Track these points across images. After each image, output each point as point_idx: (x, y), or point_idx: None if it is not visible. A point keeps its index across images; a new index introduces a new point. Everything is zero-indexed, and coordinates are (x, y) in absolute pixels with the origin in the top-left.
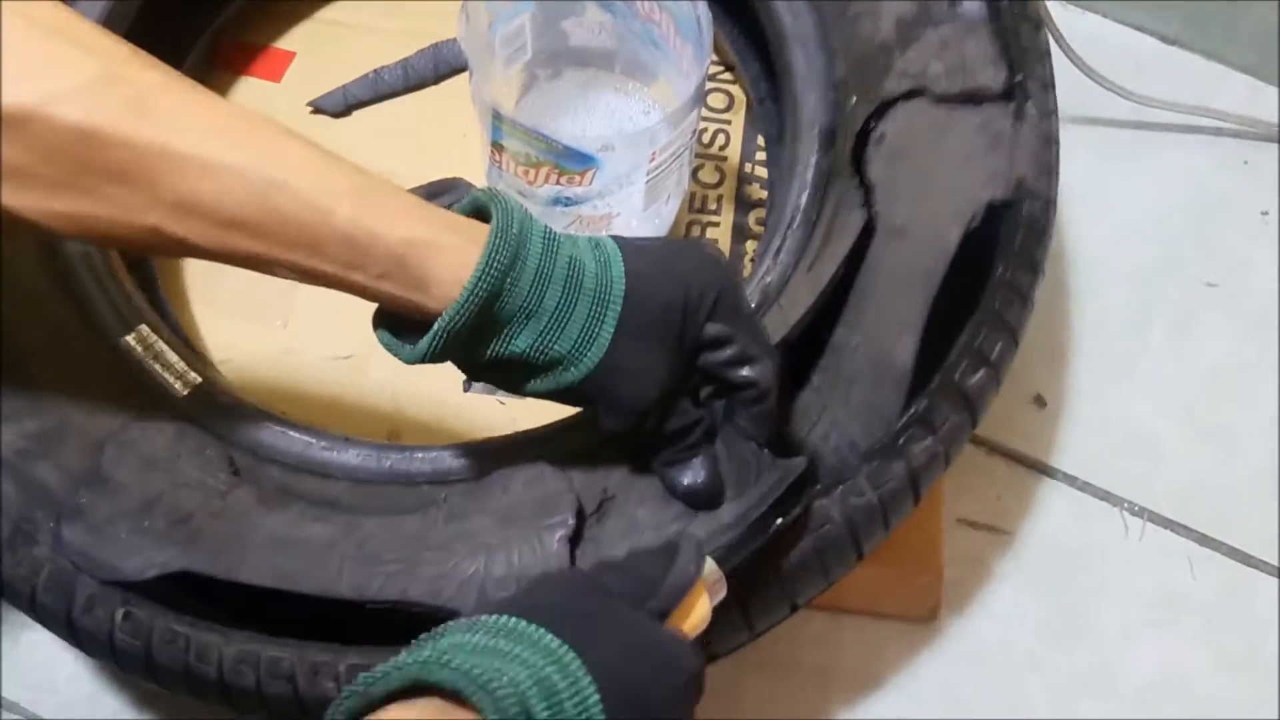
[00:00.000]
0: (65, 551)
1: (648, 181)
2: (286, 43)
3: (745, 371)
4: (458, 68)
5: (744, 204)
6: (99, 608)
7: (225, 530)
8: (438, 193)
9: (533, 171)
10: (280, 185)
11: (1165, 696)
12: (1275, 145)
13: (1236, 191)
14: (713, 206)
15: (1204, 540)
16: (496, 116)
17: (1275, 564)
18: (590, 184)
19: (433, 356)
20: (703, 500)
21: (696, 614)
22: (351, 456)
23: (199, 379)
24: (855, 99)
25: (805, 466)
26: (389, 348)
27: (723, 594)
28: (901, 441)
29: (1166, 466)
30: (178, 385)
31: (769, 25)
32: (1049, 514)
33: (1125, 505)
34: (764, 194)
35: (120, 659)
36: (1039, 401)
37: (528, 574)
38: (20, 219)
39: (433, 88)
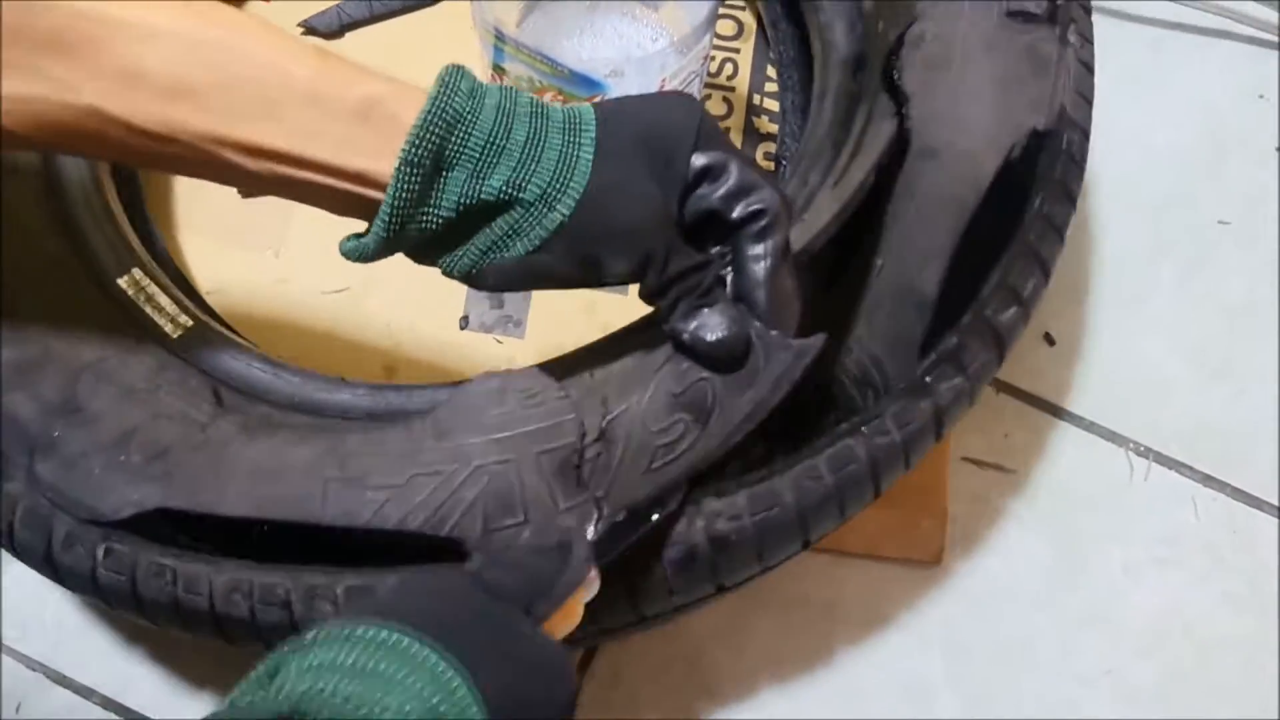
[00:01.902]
0: (40, 488)
1: None
2: None
3: (749, 202)
4: (425, 0)
5: (753, 135)
6: (79, 544)
7: (205, 463)
8: None
9: (535, 98)
10: (233, 49)
11: (1168, 635)
12: None
13: (1252, 129)
14: None
15: (1208, 481)
16: (499, 38)
17: (1277, 504)
18: None
19: (395, 216)
20: (726, 359)
21: (573, 614)
22: (346, 397)
23: (190, 322)
24: (884, 24)
25: (822, 344)
26: (349, 253)
27: (595, 591)
28: (929, 379)
29: (1173, 406)
30: (169, 327)
31: None
32: (1055, 453)
33: (1131, 445)
34: (773, 127)
35: (105, 595)
36: (1048, 339)
37: (534, 499)
38: None
39: (431, 8)
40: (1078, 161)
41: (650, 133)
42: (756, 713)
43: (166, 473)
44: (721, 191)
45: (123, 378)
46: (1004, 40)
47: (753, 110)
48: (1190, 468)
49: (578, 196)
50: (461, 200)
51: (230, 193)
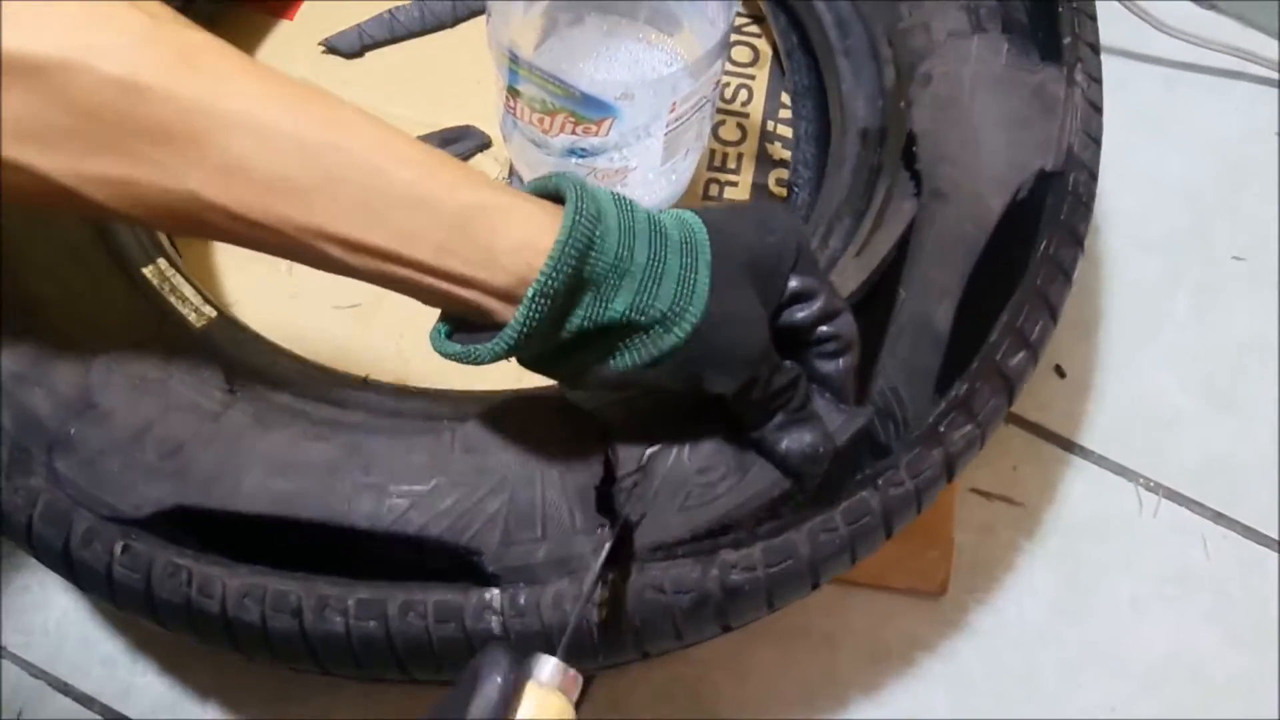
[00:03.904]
0: (60, 485)
1: (666, 134)
2: None
3: (829, 328)
4: (476, 10)
5: (765, 162)
6: (97, 541)
7: (218, 456)
8: (450, 140)
9: (548, 119)
10: (336, 147)
11: (1174, 674)
12: None
13: (1264, 166)
14: (732, 165)
15: (1219, 518)
16: (513, 60)
17: None
18: (607, 134)
19: (524, 337)
20: (819, 463)
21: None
22: (371, 397)
23: (214, 313)
24: (905, 104)
25: (869, 417)
26: (454, 357)
27: (579, 689)
28: (942, 428)
29: (1184, 442)
30: (192, 317)
31: (814, 33)
32: (1064, 487)
33: (1141, 480)
34: (786, 154)
35: (118, 594)
36: (1059, 372)
37: (553, 515)
38: (51, 183)
39: (449, 30)
40: (1085, 203)
41: (758, 255)
42: None
43: (181, 469)
44: (809, 314)
45: (134, 367)
46: (1012, 80)
47: (766, 136)
48: (1201, 504)
49: (695, 322)
50: (585, 323)
51: None
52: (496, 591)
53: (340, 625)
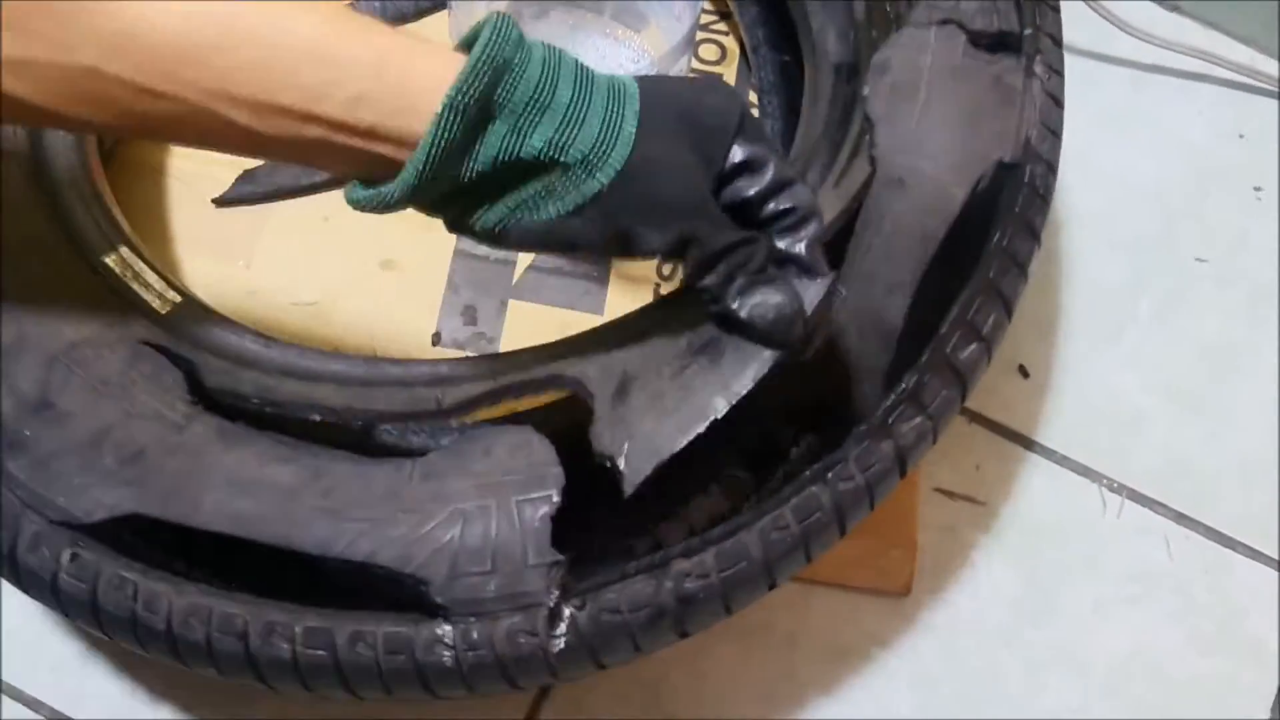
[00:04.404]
0: (10, 485)
1: None
2: None
3: (783, 201)
4: (439, 3)
5: None
6: (44, 546)
7: (180, 469)
8: None
9: None
10: (234, 11)
11: (1136, 674)
12: (1272, 120)
13: (1230, 167)
14: None
15: (1181, 519)
16: None
17: (1250, 545)
18: None
19: (434, 160)
20: (784, 337)
21: None
22: (339, 368)
23: (179, 298)
24: (876, 33)
25: (832, 281)
26: (364, 201)
27: None
28: (891, 420)
29: (1147, 443)
30: (157, 303)
31: None
32: (1027, 486)
33: (1104, 481)
34: None
35: (64, 602)
36: (1022, 372)
37: (504, 548)
38: None
39: (413, 24)
40: (1042, 195)
41: (693, 113)
42: None
43: (140, 477)
44: (759, 186)
45: (96, 369)
46: (971, 70)
47: None
48: (1164, 505)
49: (619, 166)
50: (501, 154)
51: (202, 203)
52: (449, 626)
53: (287, 652)
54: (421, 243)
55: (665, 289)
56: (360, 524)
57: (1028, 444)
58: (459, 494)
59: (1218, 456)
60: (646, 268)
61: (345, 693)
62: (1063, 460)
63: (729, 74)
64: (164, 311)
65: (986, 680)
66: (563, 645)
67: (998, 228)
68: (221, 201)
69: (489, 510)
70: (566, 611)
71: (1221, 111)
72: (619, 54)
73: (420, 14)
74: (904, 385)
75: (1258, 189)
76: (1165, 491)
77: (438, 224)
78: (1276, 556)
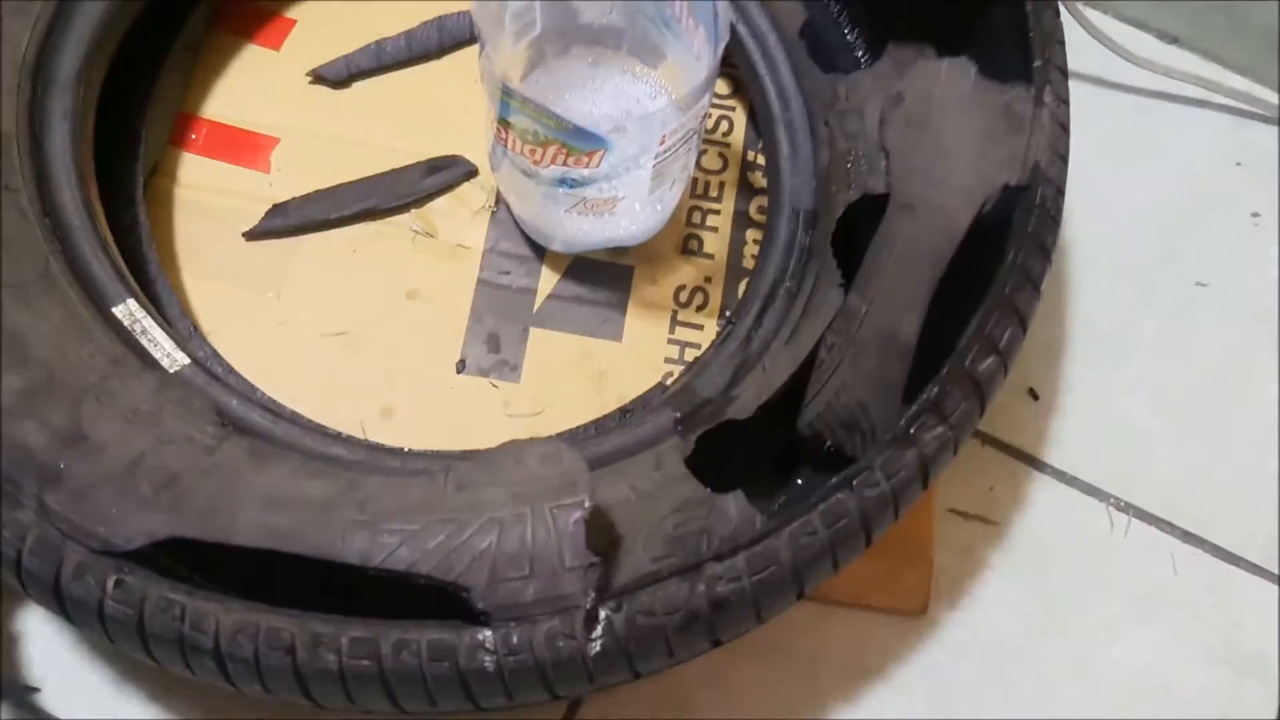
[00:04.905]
0: (50, 519)
1: (655, 165)
2: (289, 10)
3: None
4: (462, 41)
5: (746, 189)
6: (89, 575)
7: (214, 490)
8: (437, 169)
9: (539, 150)
10: None
11: (1146, 690)
12: (1270, 147)
13: (1230, 194)
14: (714, 193)
15: (1187, 537)
16: (506, 92)
17: (1255, 562)
18: (598, 166)
19: None
20: None
21: None
22: (339, 452)
23: (187, 360)
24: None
25: None
26: None
27: None
28: (913, 430)
29: (1154, 463)
30: (165, 362)
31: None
32: (1037, 507)
33: (1112, 500)
34: (765, 181)
35: (110, 628)
36: (1032, 394)
37: (540, 553)
38: None
39: (436, 61)
40: (1052, 216)
41: None
42: None
43: (176, 501)
44: None
45: (124, 400)
46: (981, 100)
47: (747, 166)
48: (1170, 524)
49: None
50: None
51: (233, 236)
52: (489, 632)
53: (334, 663)
54: (445, 273)
55: (683, 315)
56: (398, 535)
57: (1038, 465)
58: (494, 503)
59: (1221, 476)
60: (665, 295)
61: (389, 704)
62: (1072, 480)
63: (741, 107)
64: (172, 371)
65: (1001, 696)
66: (599, 648)
67: (1012, 247)
68: (252, 235)
69: (524, 517)
70: (602, 614)
71: (1220, 139)
72: (638, 90)
73: (444, 50)
74: (925, 396)
75: (1255, 214)
76: (1171, 510)
77: (462, 255)
78: (1278, 573)
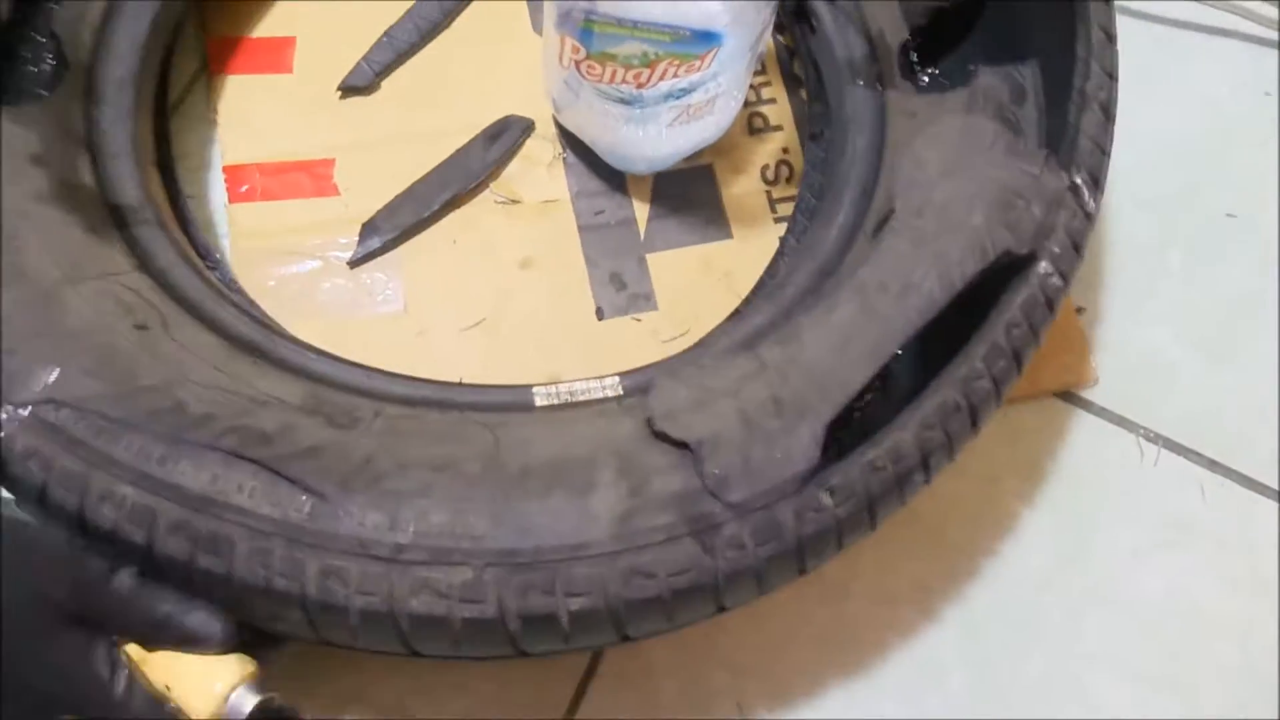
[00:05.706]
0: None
1: (752, 50)
2: (280, 29)
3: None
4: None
5: (783, 52)
6: None
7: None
8: (495, 134)
9: (646, 72)
10: None
11: (1173, 618)
12: None
13: (1258, 124)
14: (758, 66)
15: (1215, 467)
16: (611, 22)
17: (1279, 490)
18: (710, 65)
19: None
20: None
21: (204, 681)
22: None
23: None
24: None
25: None
26: None
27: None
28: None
29: (1181, 393)
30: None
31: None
32: (1066, 438)
33: (1141, 431)
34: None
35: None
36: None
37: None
38: None
39: (447, 31)
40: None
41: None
42: (773, 684)
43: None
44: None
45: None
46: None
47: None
48: (1198, 453)
49: None
50: None
51: (339, 269)
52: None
53: None
54: (546, 232)
55: (776, 193)
56: None
57: (1067, 396)
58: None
59: (1248, 405)
60: (752, 179)
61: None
62: (1100, 411)
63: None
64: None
65: (1028, 623)
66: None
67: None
68: (355, 262)
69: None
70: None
71: (1250, 68)
72: None
73: (449, 17)
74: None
75: None
76: (1199, 440)
77: (553, 210)
78: None
